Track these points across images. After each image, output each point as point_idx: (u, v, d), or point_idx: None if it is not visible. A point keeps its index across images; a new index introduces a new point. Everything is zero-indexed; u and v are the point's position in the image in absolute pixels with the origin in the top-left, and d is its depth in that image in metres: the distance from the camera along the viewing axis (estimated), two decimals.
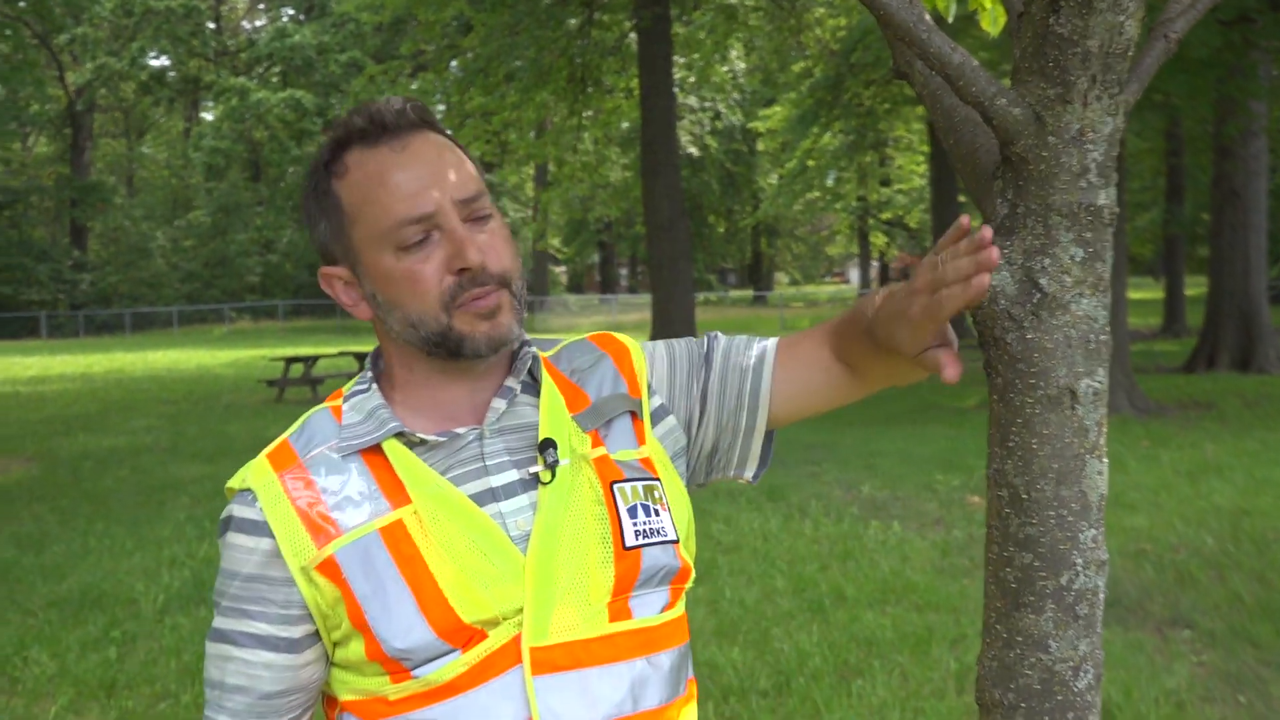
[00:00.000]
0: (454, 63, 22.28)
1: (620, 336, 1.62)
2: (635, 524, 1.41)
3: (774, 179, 45.56)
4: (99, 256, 52.78)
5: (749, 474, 1.62)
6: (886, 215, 46.83)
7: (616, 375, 1.54)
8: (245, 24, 63.93)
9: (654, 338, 20.25)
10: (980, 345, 1.27)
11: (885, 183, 44.22)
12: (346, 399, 1.48)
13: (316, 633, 1.39)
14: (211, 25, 56.22)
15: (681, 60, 25.19)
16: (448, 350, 1.40)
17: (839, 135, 28.81)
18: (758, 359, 1.58)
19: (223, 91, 49.58)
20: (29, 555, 8.21)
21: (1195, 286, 34.38)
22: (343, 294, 1.46)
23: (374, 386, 1.48)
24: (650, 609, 1.40)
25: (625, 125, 27.03)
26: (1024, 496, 1.20)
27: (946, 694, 5.31)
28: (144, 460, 12.82)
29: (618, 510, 1.41)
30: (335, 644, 1.39)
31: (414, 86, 22.84)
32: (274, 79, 52.76)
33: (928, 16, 1.27)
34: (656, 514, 1.43)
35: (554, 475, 1.40)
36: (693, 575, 1.47)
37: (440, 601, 1.32)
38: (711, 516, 8.74)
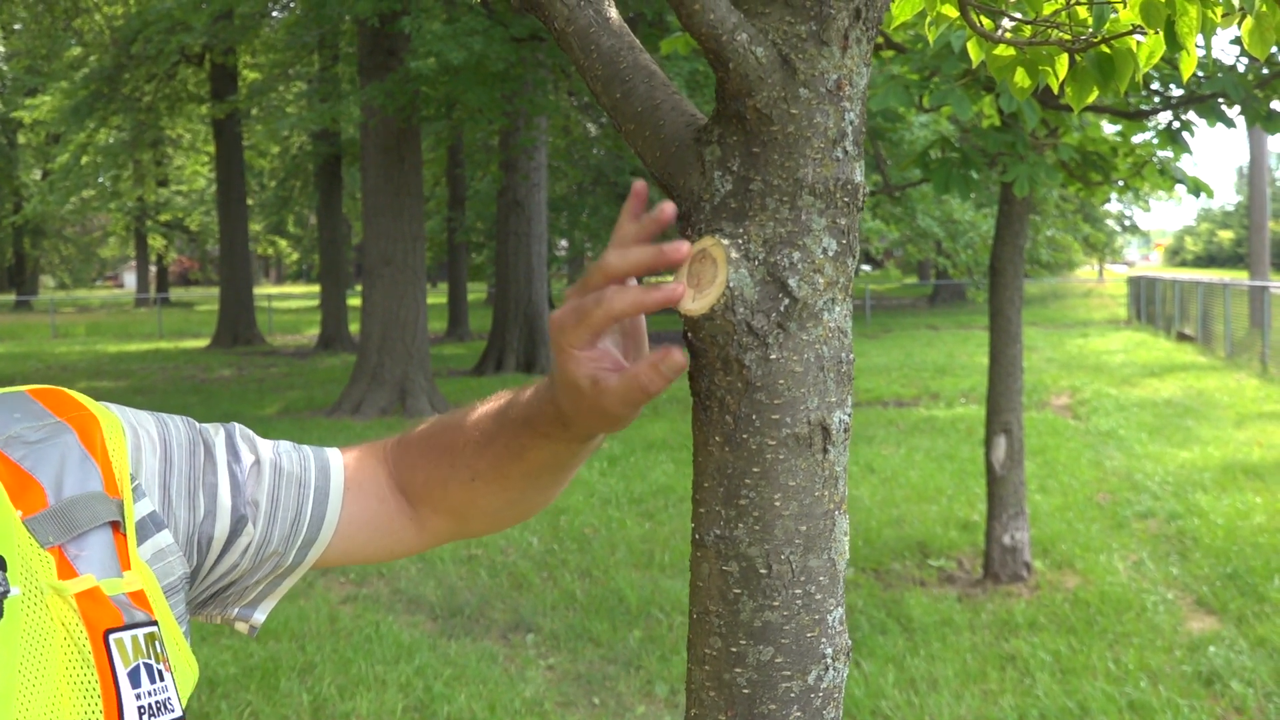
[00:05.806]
0: None
1: (83, 399, 1.03)
2: (139, 696, 0.88)
3: (38, 174, 42.39)
4: None
5: (259, 617, 1.15)
6: (165, 217, 44.94)
7: (85, 460, 0.96)
8: None
9: None
10: (693, 372, 0.93)
11: (163, 183, 42.38)
12: None
13: None
14: None
15: None
16: None
17: (115, 131, 27.02)
18: (320, 472, 1.14)
19: None
20: None
21: (474, 292, 36.15)
22: None
23: None
24: None
25: None
26: (763, 571, 0.87)
27: None
28: None
29: (115, 677, 0.87)
30: None
31: None
32: None
33: None
34: (161, 677, 0.91)
35: (0, 612, 0.84)
36: None
37: None
38: None
